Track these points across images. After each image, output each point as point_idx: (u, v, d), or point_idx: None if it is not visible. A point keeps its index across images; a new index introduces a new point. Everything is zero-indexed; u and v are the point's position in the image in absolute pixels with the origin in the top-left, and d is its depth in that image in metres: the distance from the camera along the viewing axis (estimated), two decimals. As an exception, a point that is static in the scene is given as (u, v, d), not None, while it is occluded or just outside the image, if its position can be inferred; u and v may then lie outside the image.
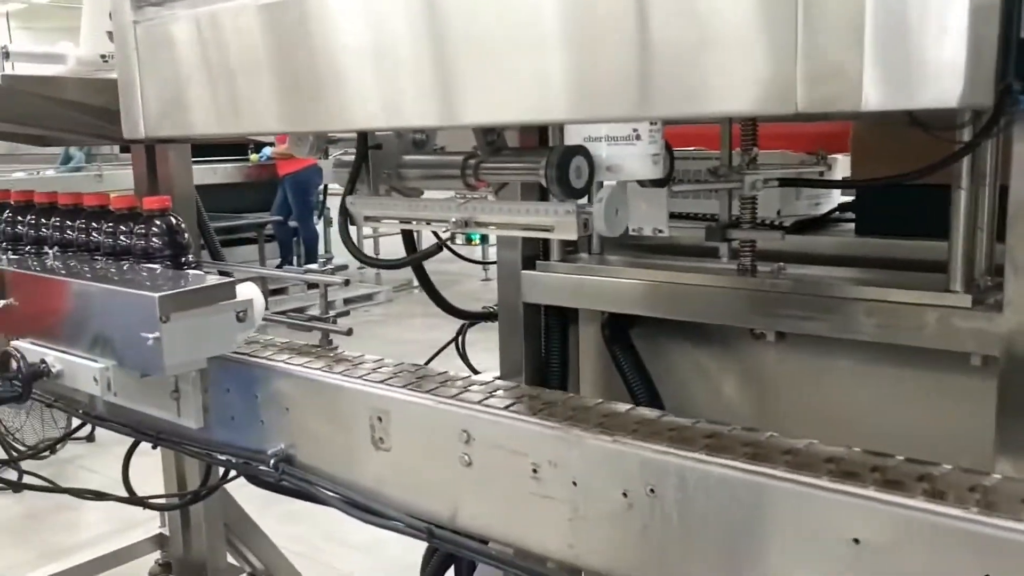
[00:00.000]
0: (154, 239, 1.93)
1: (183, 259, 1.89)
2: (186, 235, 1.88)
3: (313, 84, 1.22)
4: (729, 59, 0.77)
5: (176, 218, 1.91)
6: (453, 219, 1.21)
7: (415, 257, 1.46)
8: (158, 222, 1.94)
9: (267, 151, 9.66)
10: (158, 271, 1.92)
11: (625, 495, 1.26)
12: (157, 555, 3.41)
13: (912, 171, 1.44)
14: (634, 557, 1.27)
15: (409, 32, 1.16)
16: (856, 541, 1.07)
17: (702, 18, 0.79)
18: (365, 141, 1.34)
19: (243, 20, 1.23)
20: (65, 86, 1.88)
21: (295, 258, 10.08)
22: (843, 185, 1.87)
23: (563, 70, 0.99)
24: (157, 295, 1.58)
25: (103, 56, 2.00)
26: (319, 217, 10.39)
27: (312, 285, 8.89)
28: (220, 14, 1.24)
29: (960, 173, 1.45)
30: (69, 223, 2.14)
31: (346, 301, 9.92)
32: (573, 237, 1.10)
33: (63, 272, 1.87)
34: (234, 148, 9.57)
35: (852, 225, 1.96)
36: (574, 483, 1.31)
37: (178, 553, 3.01)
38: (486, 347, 2.67)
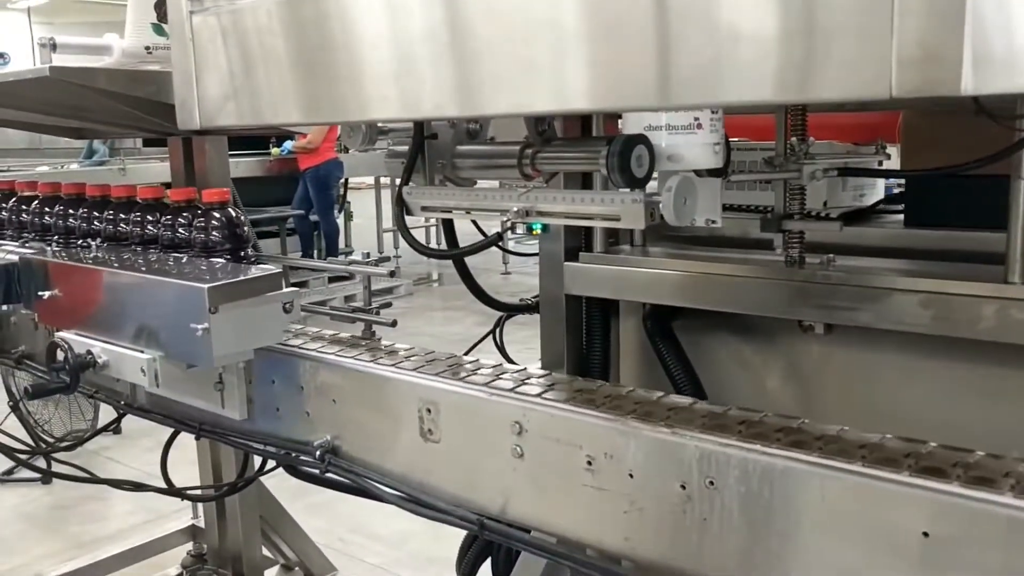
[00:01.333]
0: (214, 232, 1.93)
1: (242, 252, 1.88)
2: (246, 228, 1.89)
3: (371, 73, 1.21)
4: (823, 43, 0.76)
5: (236, 210, 1.91)
6: (515, 208, 1.20)
7: (469, 248, 1.45)
8: (217, 215, 1.95)
9: (288, 145, 9.68)
10: (205, 262, 1.92)
11: (683, 487, 1.25)
12: (189, 546, 3.43)
13: (973, 160, 1.42)
14: (692, 550, 1.26)
15: (460, 21, 1.15)
16: (925, 535, 1.06)
17: (796, 1, 0.78)
18: (421, 131, 1.33)
19: (301, 9, 1.22)
20: (109, 78, 1.88)
21: (315, 252, 10.10)
22: (905, 175, 1.84)
23: (648, 57, 0.97)
24: (206, 286, 1.58)
25: (147, 48, 2.00)
26: (339, 211, 10.41)
27: (333, 279, 8.95)
28: (277, 3, 1.24)
29: (1020, 162, 1.43)
30: (124, 216, 2.16)
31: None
32: (640, 226, 1.09)
33: (112, 264, 1.87)
34: (255, 142, 9.59)
35: (899, 216, 1.94)
36: (630, 475, 1.30)
37: (213, 544, 3.02)
38: (511, 339, 2.66)
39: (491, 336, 2.49)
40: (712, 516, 1.23)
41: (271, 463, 2.04)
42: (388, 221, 9.51)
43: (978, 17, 0.71)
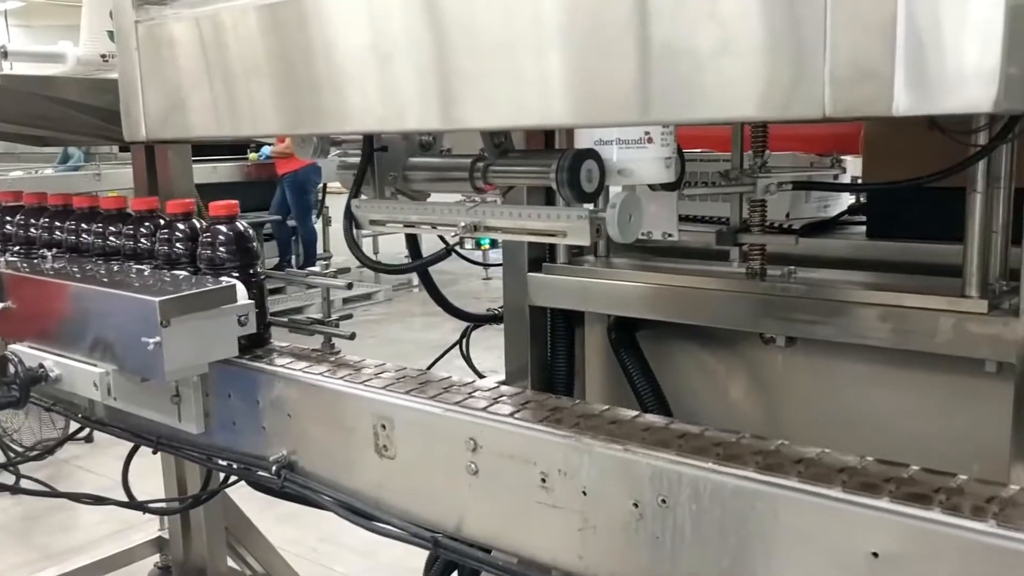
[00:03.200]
0: (177, 244, 1.89)
1: (252, 270, 1.83)
2: (254, 243, 1.85)
3: (315, 86, 1.19)
4: (754, 61, 0.75)
5: (244, 224, 1.88)
6: (462, 223, 1.18)
7: (422, 262, 1.43)
8: (181, 226, 1.91)
9: (266, 150, 9.64)
10: (161, 274, 1.89)
11: (636, 505, 1.23)
12: (156, 558, 3.39)
13: (929, 174, 1.42)
14: (645, 569, 1.24)
15: (412, 34, 1.13)
16: (875, 555, 1.04)
17: (726, 18, 0.77)
18: (371, 143, 1.31)
19: (245, 20, 1.20)
20: (65, 86, 1.85)
21: (293, 257, 10.05)
22: (858, 189, 1.85)
23: (574, 74, 0.96)
24: (158, 299, 1.56)
25: (103, 56, 1.97)
26: (318, 216, 10.36)
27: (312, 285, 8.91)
28: (222, 14, 1.21)
29: (976, 176, 1.42)
30: (85, 226, 2.12)
31: (345, 301, 9.88)
32: (586, 243, 1.07)
33: (66, 275, 1.84)
34: (233, 147, 9.54)
35: (862, 228, 1.94)
36: (584, 492, 1.28)
37: (178, 557, 2.98)
38: (488, 346, 2.64)
39: (458, 346, 2.47)
40: (664, 534, 1.21)
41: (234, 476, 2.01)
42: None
43: (911, 36, 0.70)
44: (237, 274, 1.83)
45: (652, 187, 1.31)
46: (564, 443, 1.30)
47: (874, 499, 1.05)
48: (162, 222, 2.05)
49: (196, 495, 2.42)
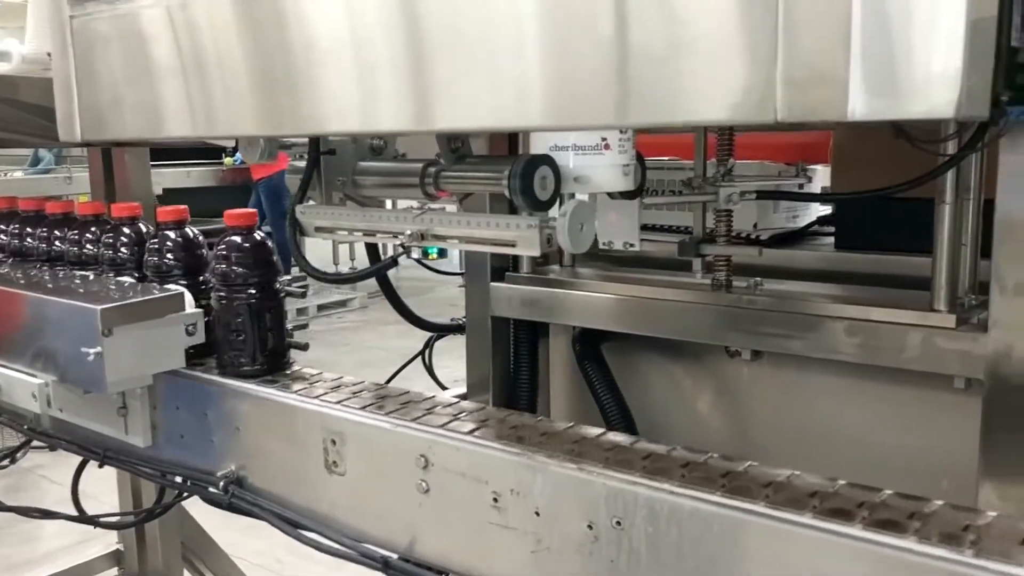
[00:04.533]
0: (122, 249, 1.82)
1: (201, 277, 1.76)
2: (203, 249, 1.77)
3: (260, 85, 1.14)
4: (706, 65, 0.70)
5: (194, 231, 1.80)
6: (408, 231, 1.13)
7: (369, 271, 1.37)
8: (127, 230, 1.83)
9: (240, 155, 9.52)
10: (106, 281, 1.83)
11: (591, 527, 1.18)
12: (115, 572, 3.30)
13: (895, 185, 1.38)
14: (600, 593, 1.19)
15: (377, 33, 1.08)
16: (836, 583, 1.00)
17: (678, 21, 0.72)
18: (317, 146, 1.25)
19: (184, 15, 1.14)
20: (9, 85, 1.78)
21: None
22: (823, 199, 1.81)
23: (534, 76, 0.92)
24: (99, 307, 1.49)
25: (50, 54, 1.90)
26: (293, 222, 10.25)
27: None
28: (158, 9, 1.15)
29: (944, 187, 1.39)
30: (31, 231, 2.05)
31: (320, 308, 9.81)
32: (536, 253, 1.02)
33: (6, 282, 1.77)
34: (207, 152, 9.44)
35: (831, 240, 1.90)
36: (536, 513, 1.23)
37: (133, 570, 2.90)
38: (460, 355, 2.58)
39: (420, 357, 2.41)
40: (619, 557, 1.16)
41: (186, 490, 1.94)
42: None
43: (868, 39, 0.65)
44: (185, 282, 1.77)
45: (612, 195, 1.26)
46: (516, 461, 1.25)
47: (843, 526, 1.00)
48: (108, 226, 1.99)
49: (150, 508, 2.34)
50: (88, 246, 2.05)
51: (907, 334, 1.44)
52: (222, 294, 1.62)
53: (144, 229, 1.92)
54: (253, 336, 1.61)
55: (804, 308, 1.56)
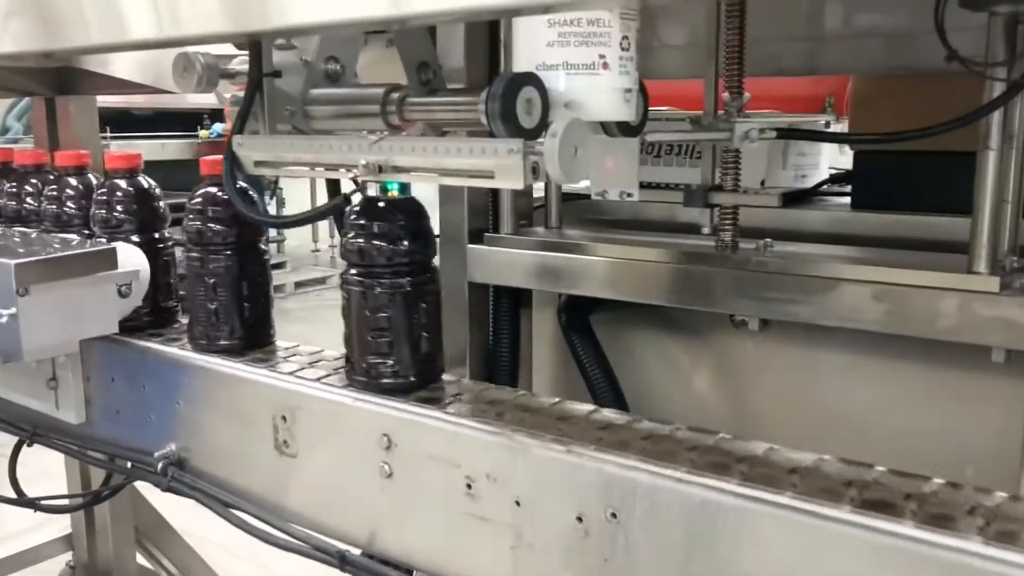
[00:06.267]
0: (69, 203, 1.62)
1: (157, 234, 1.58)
2: (160, 202, 1.58)
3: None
4: None
5: (149, 181, 1.60)
6: (363, 162, 0.94)
7: (315, 212, 1.18)
8: (123, 184, 1.60)
9: (217, 128, 9.29)
10: (35, 237, 1.63)
11: (580, 519, 1.00)
12: (69, 556, 3.10)
13: (941, 124, 1.19)
14: (591, 597, 1.01)
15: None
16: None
17: None
18: (259, 66, 1.05)
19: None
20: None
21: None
22: (851, 140, 1.61)
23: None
24: (13, 262, 1.29)
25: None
26: (271, 197, 10.04)
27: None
28: None
29: (990, 130, 1.20)
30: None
31: (298, 284, 9.59)
32: (519, 185, 0.83)
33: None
34: (184, 124, 9.20)
35: (845, 200, 1.72)
36: (517, 503, 1.05)
37: (83, 558, 2.70)
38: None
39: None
40: (615, 556, 0.99)
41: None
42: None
43: None
44: (138, 239, 1.57)
45: (609, 131, 1.07)
46: (494, 441, 1.06)
47: (891, 523, 0.82)
48: (52, 178, 1.79)
49: (96, 491, 2.15)
50: (29, 200, 1.85)
51: (941, 300, 1.26)
52: (195, 255, 1.40)
53: (93, 181, 1.71)
54: (233, 305, 1.39)
55: (821, 271, 1.38)
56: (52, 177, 1.80)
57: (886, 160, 1.58)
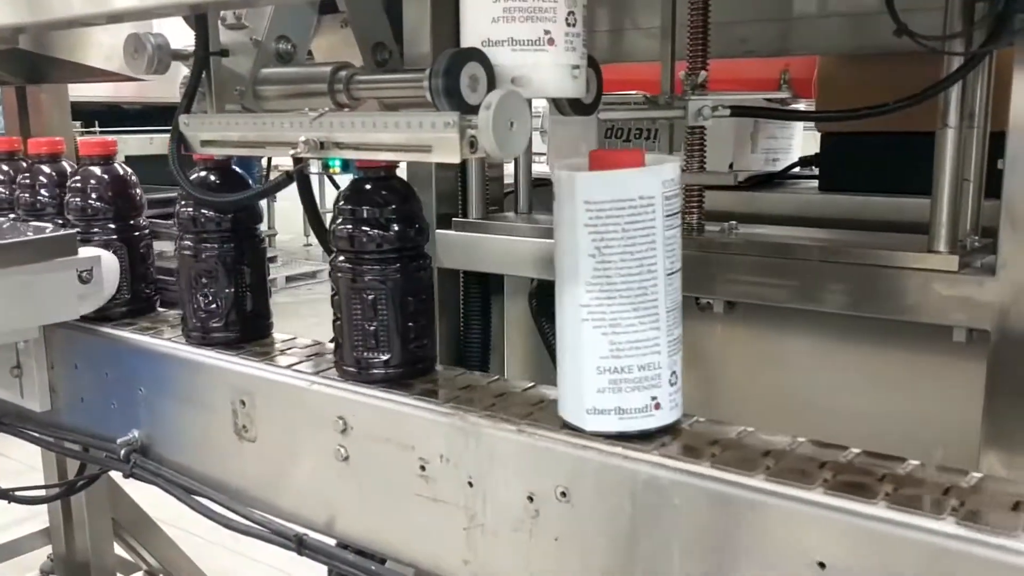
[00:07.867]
0: (92, 196, 1.59)
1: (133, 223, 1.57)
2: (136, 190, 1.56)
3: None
4: None
5: (125, 168, 1.58)
6: (303, 138, 0.93)
7: (259, 191, 1.17)
8: (98, 172, 1.58)
9: (206, 121, 9.26)
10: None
11: (531, 499, 0.99)
12: (49, 549, 3.09)
13: (897, 100, 1.18)
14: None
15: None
16: (822, 566, 0.82)
17: None
18: (206, 44, 1.04)
19: None
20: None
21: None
22: (814, 117, 1.59)
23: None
24: (-33, 247, 1.28)
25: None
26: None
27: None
28: None
29: (948, 107, 1.19)
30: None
31: (288, 279, 9.57)
32: (455, 159, 0.82)
33: None
34: (170, 119, 9.17)
35: (813, 183, 1.72)
36: (469, 483, 1.04)
37: (60, 550, 2.69)
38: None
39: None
40: (565, 535, 0.98)
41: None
42: (312, 202, 9.12)
43: None
44: (114, 227, 1.56)
45: (561, 109, 1.06)
46: (446, 422, 1.06)
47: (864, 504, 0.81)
48: (24, 165, 1.78)
49: (71, 481, 2.14)
50: (1, 188, 1.84)
51: (902, 279, 1.26)
52: (187, 243, 1.38)
53: (67, 169, 1.70)
54: (228, 296, 1.37)
55: (786, 253, 1.37)
56: (25, 165, 1.79)
57: (853, 142, 1.57)
